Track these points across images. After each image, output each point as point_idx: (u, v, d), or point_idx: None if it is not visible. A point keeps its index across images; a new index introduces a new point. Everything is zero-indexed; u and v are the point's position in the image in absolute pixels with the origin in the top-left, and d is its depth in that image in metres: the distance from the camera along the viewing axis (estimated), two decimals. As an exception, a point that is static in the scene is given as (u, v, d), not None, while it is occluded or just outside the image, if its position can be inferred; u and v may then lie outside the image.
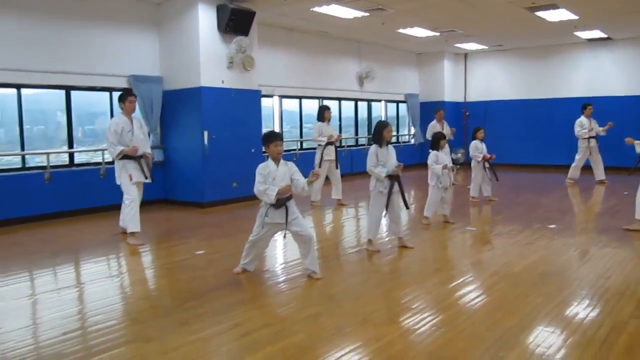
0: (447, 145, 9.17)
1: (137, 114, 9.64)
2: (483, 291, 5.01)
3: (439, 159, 8.13)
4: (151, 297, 5.10)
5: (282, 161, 5.32)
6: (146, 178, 7.30)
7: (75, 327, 4.27)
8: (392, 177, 6.45)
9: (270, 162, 5.28)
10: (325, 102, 14.18)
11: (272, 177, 5.18)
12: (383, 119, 16.85)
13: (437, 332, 4.02)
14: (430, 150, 8.28)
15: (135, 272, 6.04)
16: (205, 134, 9.82)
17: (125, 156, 7.13)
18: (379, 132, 6.56)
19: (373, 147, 6.56)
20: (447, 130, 12.22)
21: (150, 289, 5.42)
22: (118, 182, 7.26)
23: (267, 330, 4.13)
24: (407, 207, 6.82)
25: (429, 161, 8.19)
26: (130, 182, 7.15)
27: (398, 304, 4.77)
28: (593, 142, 12.49)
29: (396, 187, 6.46)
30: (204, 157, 9.86)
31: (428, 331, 4.03)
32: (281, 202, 5.17)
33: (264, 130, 10.78)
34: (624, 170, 13.66)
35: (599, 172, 12.62)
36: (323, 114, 10.27)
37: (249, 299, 4.92)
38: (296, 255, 5.87)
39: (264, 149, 5.28)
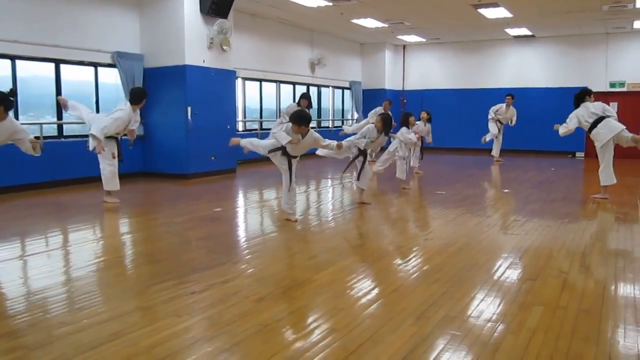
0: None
1: (120, 90, 10.19)
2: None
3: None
4: (218, 235, 5.84)
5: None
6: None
7: (167, 255, 5.00)
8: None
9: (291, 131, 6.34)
10: (281, 87, 15.11)
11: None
12: (330, 103, 17.96)
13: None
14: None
15: (189, 221, 6.70)
16: (189, 109, 10.43)
17: None
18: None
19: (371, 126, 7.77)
20: None
21: (212, 231, 6.12)
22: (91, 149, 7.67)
23: (327, 254, 5.06)
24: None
25: (405, 135, 9.38)
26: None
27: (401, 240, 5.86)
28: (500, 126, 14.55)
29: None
30: (187, 132, 10.47)
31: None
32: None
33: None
34: (540, 154, 15.71)
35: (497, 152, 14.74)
36: (300, 101, 11.18)
37: (297, 235, 5.81)
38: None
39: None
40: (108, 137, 7.56)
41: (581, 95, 8.48)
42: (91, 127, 7.44)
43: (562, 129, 8.43)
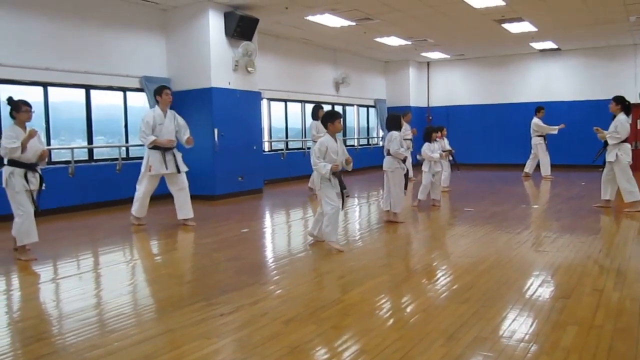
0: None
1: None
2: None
3: (433, 149, 9.47)
4: (246, 256, 5.86)
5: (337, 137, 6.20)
6: (167, 168, 7.72)
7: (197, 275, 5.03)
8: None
9: (329, 139, 6.10)
10: (306, 106, 15.20)
11: (334, 151, 6.03)
12: (355, 122, 18.01)
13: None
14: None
15: (217, 242, 6.76)
16: (216, 131, 10.56)
17: (155, 147, 7.70)
18: (398, 121, 7.78)
19: (397, 134, 7.71)
20: (409, 131, 13.47)
21: (240, 251, 6.15)
22: (142, 171, 7.88)
23: (355, 274, 5.04)
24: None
25: (426, 151, 9.33)
26: (149, 172, 7.74)
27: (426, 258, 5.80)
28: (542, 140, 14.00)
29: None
30: (214, 153, 10.59)
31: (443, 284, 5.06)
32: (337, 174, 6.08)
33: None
34: (569, 167, 15.45)
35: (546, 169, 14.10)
36: (317, 113, 11.19)
37: (325, 255, 5.81)
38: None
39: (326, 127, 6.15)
40: (155, 149, 7.66)
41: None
42: None
43: (614, 140, 8.22)
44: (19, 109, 5.87)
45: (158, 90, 7.94)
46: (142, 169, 7.87)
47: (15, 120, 5.89)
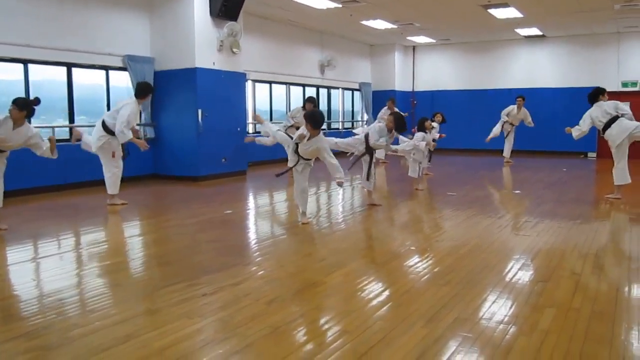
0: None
1: (131, 93, 10.20)
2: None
3: (425, 138, 9.52)
4: (229, 237, 5.85)
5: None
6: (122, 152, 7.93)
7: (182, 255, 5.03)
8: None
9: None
10: (291, 88, 15.13)
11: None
12: (340, 105, 17.97)
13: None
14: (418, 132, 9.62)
15: (200, 224, 6.74)
16: (200, 112, 10.47)
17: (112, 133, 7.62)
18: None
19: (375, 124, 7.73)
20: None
21: (223, 233, 6.13)
22: (94, 151, 7.80)
23: (338, 256, 5.06)
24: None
25: (416, 140, 9.37)
26: (113, 157, 7.77)
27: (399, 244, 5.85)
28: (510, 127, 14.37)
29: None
30: (197, 134, 10.51)
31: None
32: None
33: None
34: (552, 154, 15.61)
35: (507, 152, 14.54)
36: (305, 103, 11.13)
37: (307, 237, 5.82)
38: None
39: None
40: (112, 134, 7.59)
41: (595, 94, 8.38)
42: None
43: (576, 132, 8.34)
44: None
45: (150, 90, 7.97)
46: (101, 153, 7.74)
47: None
